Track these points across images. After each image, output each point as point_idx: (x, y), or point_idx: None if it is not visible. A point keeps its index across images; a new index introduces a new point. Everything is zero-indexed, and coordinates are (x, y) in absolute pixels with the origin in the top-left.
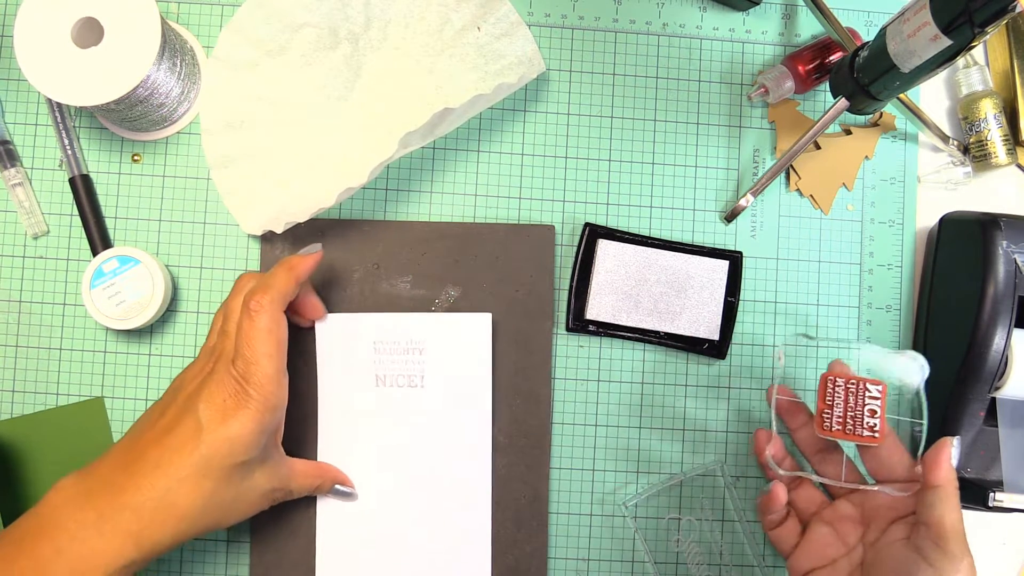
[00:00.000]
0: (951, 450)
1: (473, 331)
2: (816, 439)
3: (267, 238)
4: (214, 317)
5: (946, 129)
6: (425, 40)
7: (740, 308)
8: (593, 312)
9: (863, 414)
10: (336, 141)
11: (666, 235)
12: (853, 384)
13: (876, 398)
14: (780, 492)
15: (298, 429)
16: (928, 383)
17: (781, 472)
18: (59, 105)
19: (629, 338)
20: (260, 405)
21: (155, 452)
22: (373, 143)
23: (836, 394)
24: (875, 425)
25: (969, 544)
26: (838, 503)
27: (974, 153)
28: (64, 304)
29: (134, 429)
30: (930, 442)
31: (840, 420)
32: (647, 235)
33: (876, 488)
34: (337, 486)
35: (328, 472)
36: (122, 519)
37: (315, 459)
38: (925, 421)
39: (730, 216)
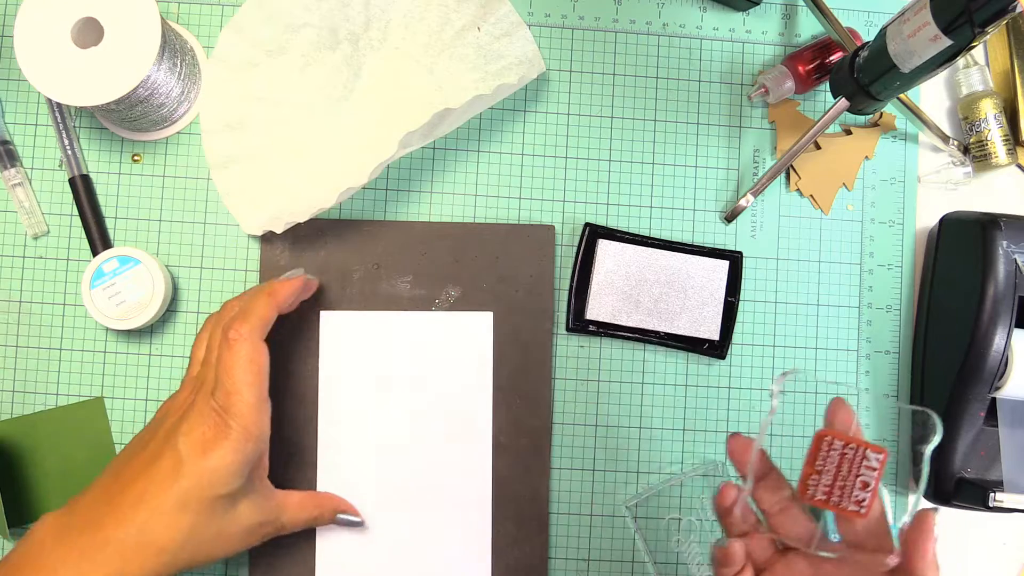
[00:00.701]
0: (934, 528)
1: (474, 331)
2: (783, 498)
3: (267, 239)
4: (194, 345)
5: (946, 129)
6: (425, 40)
7: (740, 308)
8: (593, 312)
9: (854, 485)
10: (336, 141)
11: (666, 235)
12: (851, 450)
13: (874, 468)
14: (739, 550)
15: (298, 429)
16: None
17: (741, 528)
18: (59, 105)
19: (629, 338)
20: (241, 435)
21: (137, 486)
22: (373, 143)
23: (830, 459)
24: (864, 500)
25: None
26: (791, 558)
27: (974, 153)
28: (64, 304)
29: (118, 460)
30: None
31: (827, 489)
32: (647, 235)
33: (842, 555)
34: (340, 515)
35: (327, 502)
36: (102, 558)
37: (315, 459)
38: (921, 490)
39: (730, 216)
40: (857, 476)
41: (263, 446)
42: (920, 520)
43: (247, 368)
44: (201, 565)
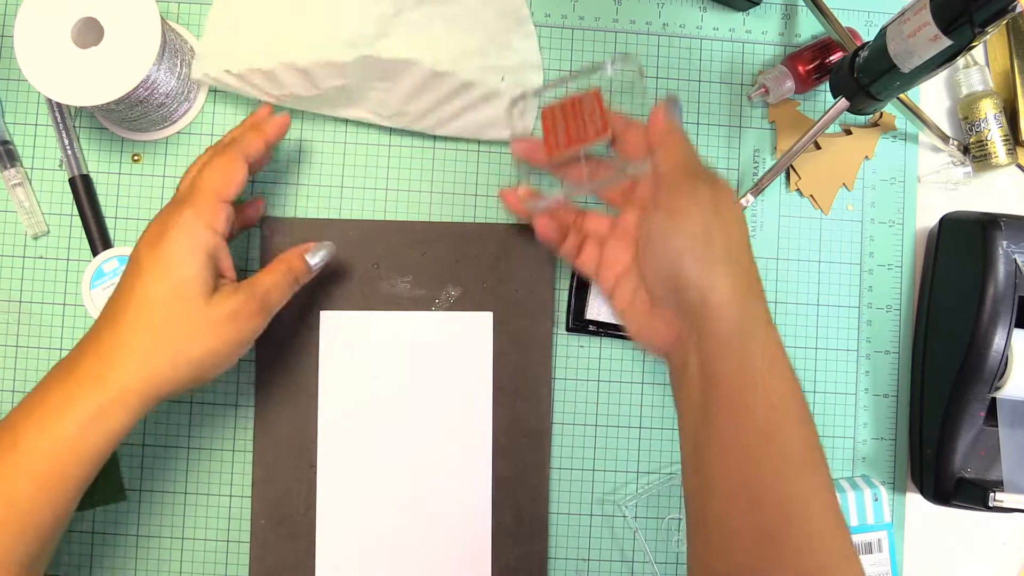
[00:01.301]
0: (673, 106)
1: (474, 330)
2: (559, 163)
3: (267, 236)
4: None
5: (946, 129)
6: (456, 54)
7: None
8: (593, 312)
9: (586, 122)
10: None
11: None
12: (570, 105)
13: (593, 104)
14: (542, 225)
15: (298, 429)
16: (930, 385)
17: (541, 206)
18: (59, 105)
19: (629, 338)
20: (192, 218)
21: (110, 302)
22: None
23: (556, 118)
24: (598, 123)
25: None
26: (622, 215)
27: (974, 153)
28: (64, 304)
29: None
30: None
31: (567, 139)
32: None
33: (620, 174)
34: (307, 256)
35: (289, 254)
36: (86, 368)
37: (315, 459)
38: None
39: None
40: (585, 115)
41: (216, 239)
42: (656, 106)
43: (217, 169)
44: (191, 360)
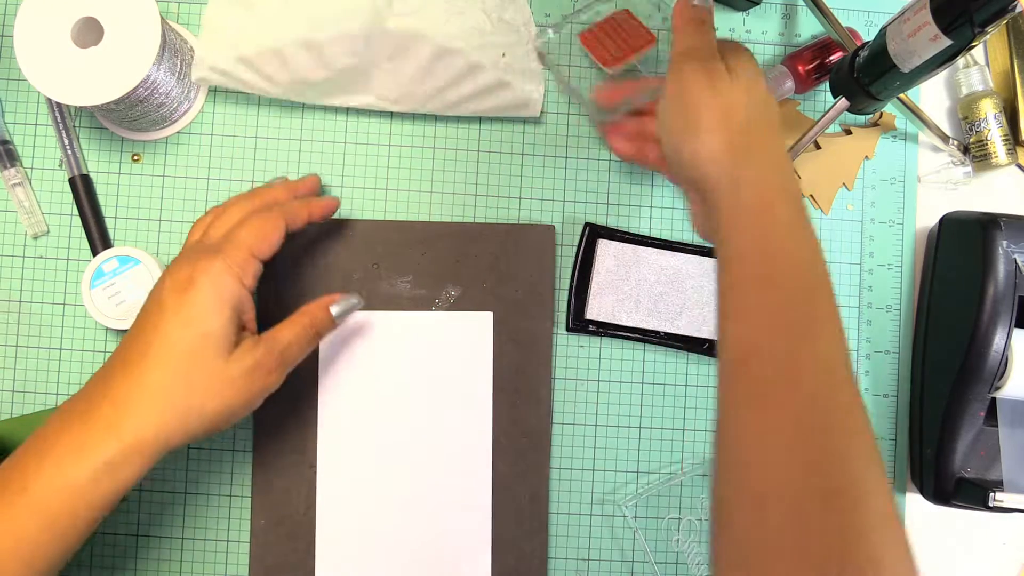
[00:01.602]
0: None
1: (474, 330)
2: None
3: None
4: (200, 218)
5: (946, 129)
6: (455, 32)
7: None
8: (593, 312)
9: (630, 35)
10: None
11: (666, 235)
12: (606, 25)
13: (628, 20)
14: (618, 146)
15: (298, 429)
16: (931, 385)
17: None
18: (59, 105)
19: (629, 338)
20: (222, 270)
21: (129, 339)
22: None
23: (599, 38)
24: (643, 33)
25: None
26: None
27: (974, 153)
28: (64, 304)
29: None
30: None
31: (619, 49)
32: (647, 235)
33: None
34: (333, 308)
35: (313, 307)
36: (102, 410)
37: (315, 459)
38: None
39: None
40: (624, 31)
41: (244, 295)
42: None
43: (257, 225)
44: (205, 413)
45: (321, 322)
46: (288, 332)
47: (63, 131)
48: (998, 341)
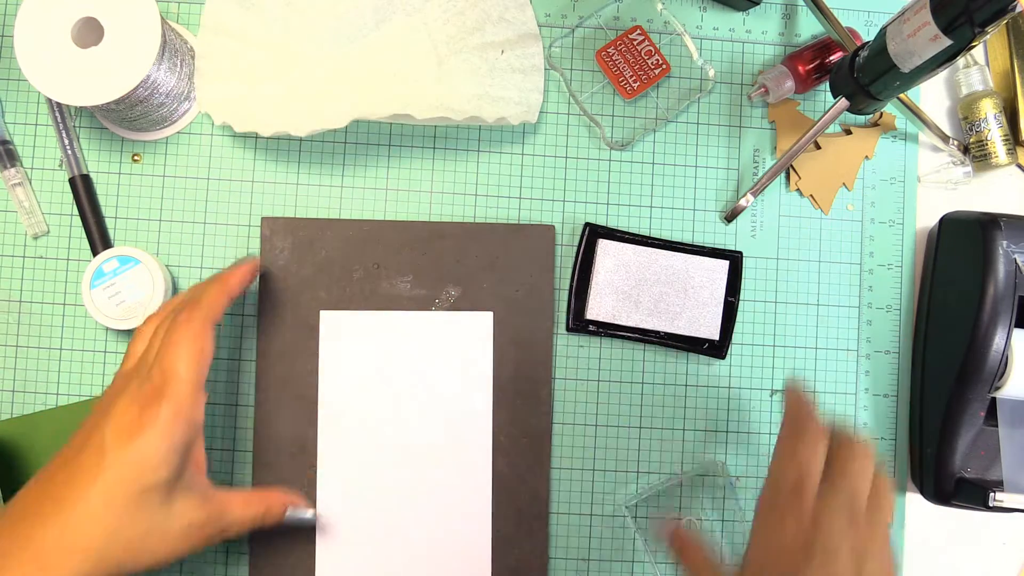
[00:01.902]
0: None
1: (474, 330)
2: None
3: (266, 236)
4: (132, 341)
5: (946, 129)
6: (453, 33)
7: (740, 308)
8: (593, 312)
9: (645, 59)
10: (323, 74)
11: (666, 235)
12: (621, 44)
13: (643, 41)
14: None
15: (299, 429)
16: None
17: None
18: (59, 105)
19: (629, 338)
20: (170, 419)
21: (58, 482)
22: (354, 94)
23: (616, 63)
24: (658, 60)
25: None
26: None
27: (974, 153)
28: (64, 304)
29: (50, 460)
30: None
31: (634, 77)
32: (647, 235)
33: None
34: (290, 511)
35: (275, 497)
36: (21, 559)
37: (315, 459)
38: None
39: (730, 216)
40: (640, 54)
41: (194, 434)
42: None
43: (191, 349)
44: (134, 568)
45: (273, 516)
46: (239, 511)
47: (63, 131)
48: (998, 341)
